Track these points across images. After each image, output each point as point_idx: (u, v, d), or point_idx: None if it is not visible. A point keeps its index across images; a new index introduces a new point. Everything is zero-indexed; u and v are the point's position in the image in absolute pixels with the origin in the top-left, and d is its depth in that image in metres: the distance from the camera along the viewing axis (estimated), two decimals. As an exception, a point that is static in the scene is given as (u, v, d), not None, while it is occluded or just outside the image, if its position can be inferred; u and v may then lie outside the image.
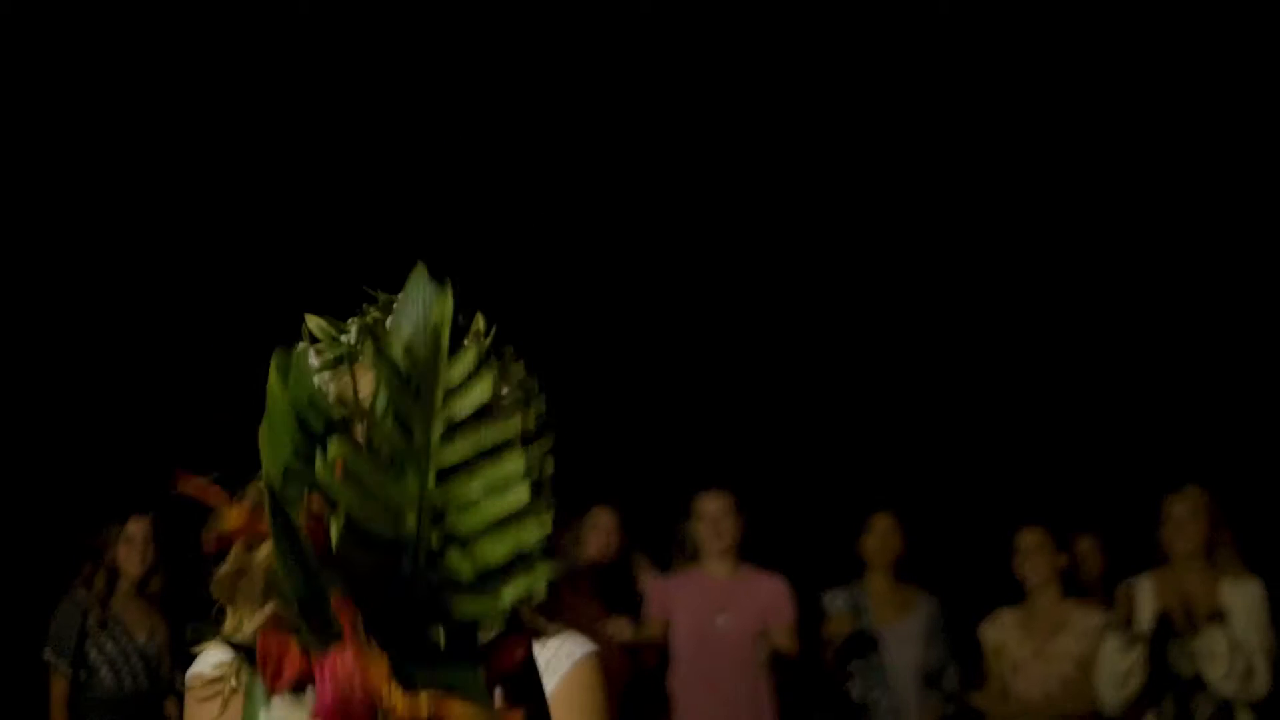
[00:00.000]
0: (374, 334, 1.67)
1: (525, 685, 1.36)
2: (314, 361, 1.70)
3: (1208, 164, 7.15)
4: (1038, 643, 5.48)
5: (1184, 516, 5.19)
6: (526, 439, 1.26)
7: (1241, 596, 5.11)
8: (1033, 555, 5.54)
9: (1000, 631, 5.58)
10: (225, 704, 1.72)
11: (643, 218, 7.37)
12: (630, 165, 7.30)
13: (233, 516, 1.28)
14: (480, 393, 1.23)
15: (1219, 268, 7.22)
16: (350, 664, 1.14)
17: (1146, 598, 5.22)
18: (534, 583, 1.20)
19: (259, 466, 1.42)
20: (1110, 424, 7.11)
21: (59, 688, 5.57)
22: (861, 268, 7.51)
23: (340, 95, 7.05)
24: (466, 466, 1.21)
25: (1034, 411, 7.27)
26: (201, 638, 1.74)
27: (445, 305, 1.25)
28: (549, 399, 1.45)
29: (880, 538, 5.98)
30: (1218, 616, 5.09)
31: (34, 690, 5.64)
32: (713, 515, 5.70)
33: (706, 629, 5.58)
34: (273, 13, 6.84)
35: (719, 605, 5.61)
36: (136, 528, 5.60)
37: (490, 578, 1.19)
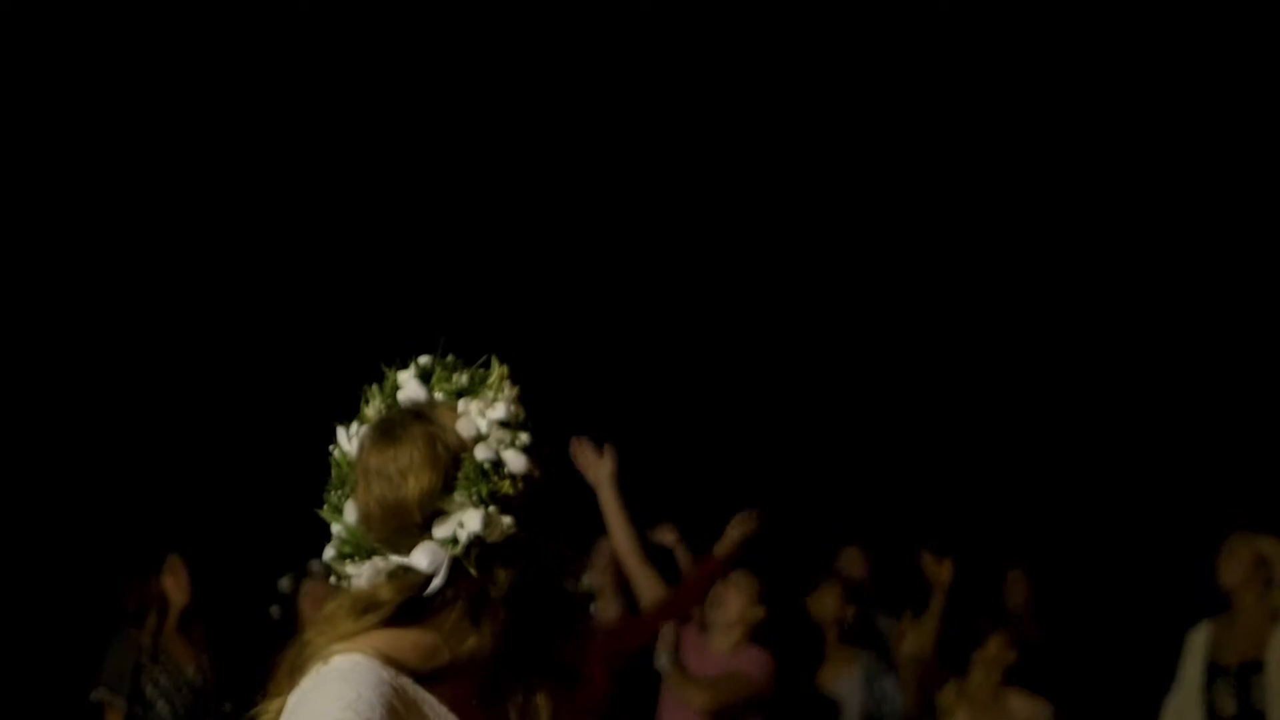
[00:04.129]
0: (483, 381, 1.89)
1: None
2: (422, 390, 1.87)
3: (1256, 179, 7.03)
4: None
5: (1239, 546, 5.29)
6: None
7: None
8: (986, 651, 5.37)
9: (946, 698, 5.46)
10: None
11: (701, 264, 7.40)
12: (675, 221, 7.32)
13: None
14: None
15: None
16: None
17: (1200, 645, 5.34)
18: None
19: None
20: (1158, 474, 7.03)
21: (115, 725, 5.62)
22: (838, 284, 7.51)
23: (345, 100, 7.11)
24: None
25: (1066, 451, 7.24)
26: None
27: None
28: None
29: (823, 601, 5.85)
30: (1254, 667, 5.15)
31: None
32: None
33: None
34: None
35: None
36: (177, 561, 5.64)
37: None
